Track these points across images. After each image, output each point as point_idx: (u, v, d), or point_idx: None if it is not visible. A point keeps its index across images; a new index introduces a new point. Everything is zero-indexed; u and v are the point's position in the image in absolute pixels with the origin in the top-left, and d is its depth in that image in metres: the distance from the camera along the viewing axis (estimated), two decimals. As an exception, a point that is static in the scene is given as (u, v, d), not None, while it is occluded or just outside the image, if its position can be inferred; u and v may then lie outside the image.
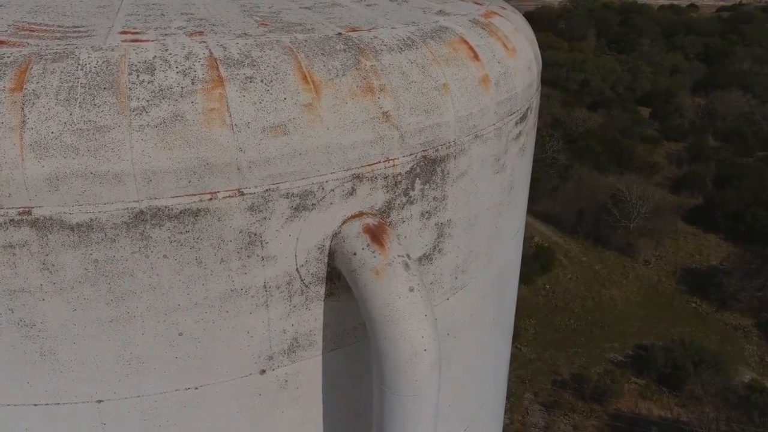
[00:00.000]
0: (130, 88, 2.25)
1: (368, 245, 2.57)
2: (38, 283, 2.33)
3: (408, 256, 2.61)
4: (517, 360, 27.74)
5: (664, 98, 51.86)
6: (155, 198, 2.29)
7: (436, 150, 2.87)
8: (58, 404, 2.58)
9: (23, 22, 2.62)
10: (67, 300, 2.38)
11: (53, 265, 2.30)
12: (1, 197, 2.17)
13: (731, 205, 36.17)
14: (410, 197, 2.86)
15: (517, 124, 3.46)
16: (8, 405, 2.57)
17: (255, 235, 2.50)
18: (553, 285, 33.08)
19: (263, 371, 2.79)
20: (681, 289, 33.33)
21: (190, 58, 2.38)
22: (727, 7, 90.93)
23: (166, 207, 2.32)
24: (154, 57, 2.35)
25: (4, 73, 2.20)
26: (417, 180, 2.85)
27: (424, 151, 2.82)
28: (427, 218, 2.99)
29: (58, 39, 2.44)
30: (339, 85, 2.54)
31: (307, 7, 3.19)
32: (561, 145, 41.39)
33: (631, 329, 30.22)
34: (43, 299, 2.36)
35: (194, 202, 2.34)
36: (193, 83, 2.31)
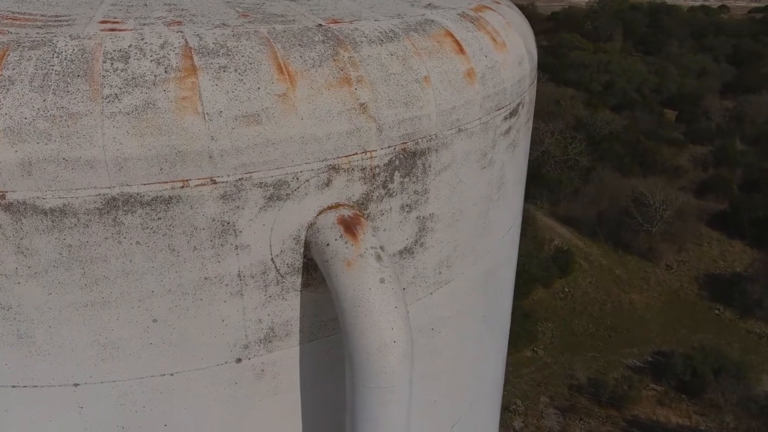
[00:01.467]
0: (104, 76, 2.28)
1: (341, 236, 2.57)
2: (14, 266, 2.37)
3: (381, 248, 2.61)
4: (533, 363, 27.54)
5: (691, 101, 50.99)
6: (127, 185, 2.32)
7: (417, 143, 2.86)
8: (36, 387, 2.63)
9: (7, 11, 2.68)
10: (42, 284, 2.42)
11: (28, 249, 2.35)
12: (-25, 181, 2.21)
13: (758, 211, 35.42)
14: (389, 190, 2.85)
15: (506, 119, 3.43)
16: (-12, 386, 2.62)
17: (228, 223, 2.51)
18: (571, 288, 32.74)
19: (239, 360, 2.81)
20: (703, 296, 32.74)
21: (165, 47, 2.40)
22: (760, 8, 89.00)
23: (137, 194, 2.34)
24: (130, 46, 2.38)
25: (-18, 60, 2.25)
26: (396, 173, 2.84)
27: (403, 143, 2.81)
28: (407, 211, 2.98)
29: (39, 27, 2.49)
30: (315, 76, 2.54)
31: None
32: (583, 147, 40.95)
33: (651, 335, 29.76)
34: (19, 282, 2.40)
35: (166, 189, 2.37)
36: (166, 72, 2.33)
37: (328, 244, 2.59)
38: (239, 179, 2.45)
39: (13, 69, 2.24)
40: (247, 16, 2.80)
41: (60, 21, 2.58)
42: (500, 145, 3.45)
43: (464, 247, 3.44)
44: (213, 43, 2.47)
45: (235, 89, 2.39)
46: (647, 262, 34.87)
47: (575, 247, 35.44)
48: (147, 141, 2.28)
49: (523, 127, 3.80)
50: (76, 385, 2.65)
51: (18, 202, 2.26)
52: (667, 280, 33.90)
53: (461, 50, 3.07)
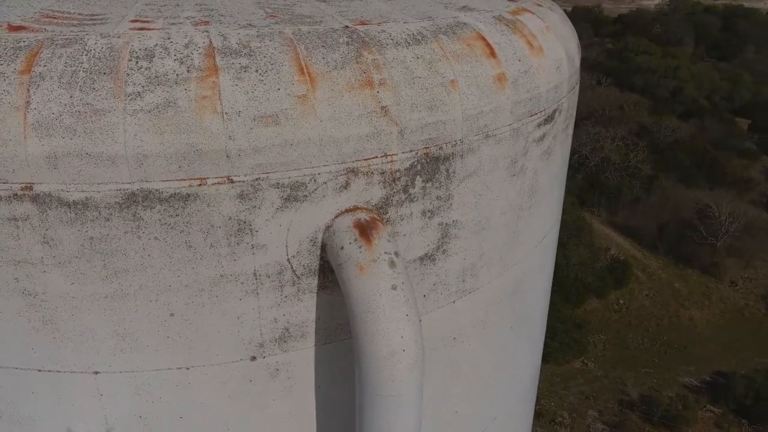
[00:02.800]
0: (128, 74, 2.33)
1: (355, 240, 2.55)
2: (39, 255, 2.46)
3: (396, 254, 2.57)
4: (582, 375, 26.79)
5: (765, 109, 48.39)
6: (146, 181, 2.37)
7: (440, 148, 2.81)
8: (60, 372, 2.73)
9: (48, 9, 2.79)
10: (66, 273, 2.50)
11: (52, 240, 2.43)
12: (5, 172, 2.31)
13: (834, 229, 33.28)
14: (410, 195, 2.81)
15: (540, 125, 3.32)
16: (16, 368, 2.74)
17: (244, 222, 2.53)
18: (627, 301, 31.65)
19: (254, 358, 2.83)
20: (770, 315, 31.02)
21: (190, 46, 2.44)
22: None
23: (156, 190, 2.39)
24: (156, 45, 2.43)
25: (17, 56, 2.35)
26: (418, 177, 2.80)
27: (426, 148, 2.77)
28: (429, 217, 2.93)
29: (74, 26, 2.57)
30: (336, 78, 2.53)
31: (324, 0, 3.21)
32: (646, 155, 39.52)
33: (710, 354, 28.42)
34: (44, 271, 2.50)
35: (184, 186, 2.40)
36: (188, 71, 2.37)
37: (342, 248, 2.57)
38: (256, 179, 2.47)
39: (45, 66, 2.33)
40: (275, 16, 2.81)
41: (95, 20, 2.66)
42: (533, 152, 3.35)
43: (491, 256, 3.36)
44: (237, 43, 2.49)
45: (255, 90, 2.40)
46: (710, 278, 33.32)
47: (633, 258, 34.24)
48: (167, 138, 2.32)
49: (561, 134, 3.67)
50: (96, 372, 2.74)
51: (44, 194, 2.35)
52: (731, 297, 32.29)
53: (493, 54, 2.99)
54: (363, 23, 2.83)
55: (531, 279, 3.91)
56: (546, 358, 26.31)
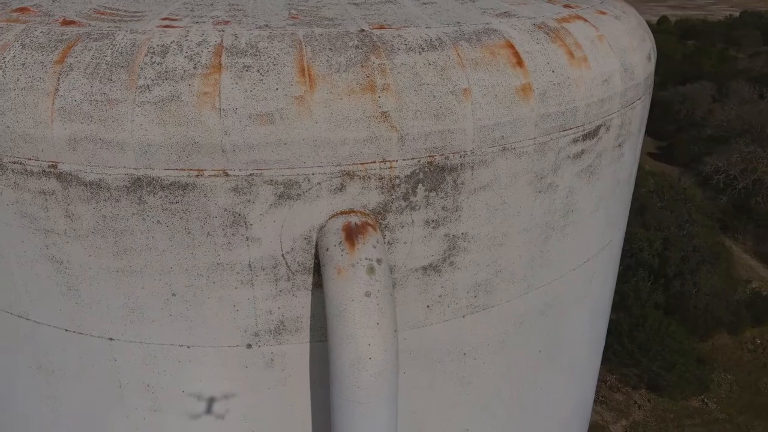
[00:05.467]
0: (142, 68, 2.52)
1: (340, 243, 2.56)
2: (63, 227, 2.74)
3: (378, 261, 2.54)
4: (700, 416, 24.50)
5: None
6: (150, 168, 2.55)
7: (446, 157, 2.73)
8: (81, 334, 3.02)
9: (102, 6, 3.07)
10: (84, 246, 2.76)
11: (73, 214, 2.70)
12: (36, 150, 2.60)
13: None
14: (411, 202, 2.76)
15: (576, 141, 3.11)
16: (49, 325, 3.07)
17: (239, 215, 2.64)
18: (765, 340, 28.37)
19: (249, 346, 2.94)
20: None
21: (201, 44, 2.58)
22: None
23: (159, 177, 2.56)
24: (172, 42, 2.60)
25: (56, 48, 2.62)
26: (420, 186, 2.74)
27: (430, 156, 2.70)
28: (433, 227, 2.86)
29: (114, 22, 2.82)
30: (336, 81, 2.55)
31: (355, 3, 3.22)
32: (807, 181, 35.01)
33: None
34: (67, 242, 2.77)
35: (183, 176, 2.56)
36: (194, 68, 2.51)
37: (327, 249, 2.59)
38: (250, 174, 2.56)
39: (75, 57, 2.58)
40: (297, 18, 2.88)
41: (135, 16, 2.90)
42: (566, 169, 3.14)
43: (510, 274, 3.20)
44: (245, 43, 2.60)
45: (254, 88, 2.49)
46: None
47: (779, 294, 30.54)
48: (168, 130, 2.48)
49: (610, 152, 3.40)
50: (111, 339, 2.99)
51: (66, 172, 2.61)
52: None
53: (519, 63, 2.84)
54: (381, 27, 2.82)
55: (567, 303, 3.67)
56: (658, 389, 24.34)
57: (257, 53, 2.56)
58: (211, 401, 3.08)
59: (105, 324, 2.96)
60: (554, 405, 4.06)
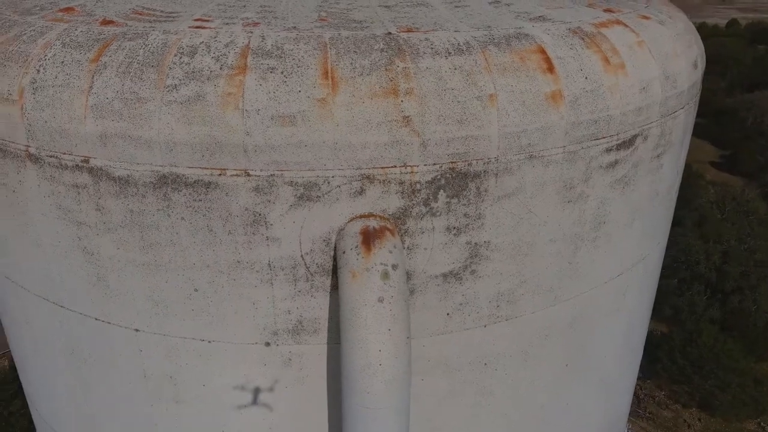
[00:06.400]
0: (170, 68, 2.58)
1: (356, 246, 2.55)
2: (94, 220, 2.84)
3: (394, 266, 2.52)
4: (756, 439, 23.30)
5: None
6: (175, 166, 2.61)
7: (469, 164, 2.68)
8: (110, 323, 3.12)
9: (141, 6, 3.16)
10: (113, 239, 2.85)
11: (103, 208, 2.79)
12: (71, 145, 2.70)
13: None
14: (432, 208, 2.73)
15: (609, 151, 3.00)
16: (81, 314, 3.19)
17: (260, 215, 2.66)
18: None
19: (268, 344, 2.97)
20: None
21: (229, 45, 2.62)
22: None
23: (183, 175, 2.62)
24: (201, 42, 2.65)
25: (93, 47, 2.72)
26: (441, 192, 2.70)
27: (452, 162, 2.66)
28: (455, 234, 2.81)
29: (150, 22, 2.90)
30: (359, 84, 2.54)
31: (386, 6, 3.20)
32: None
33: None
34: (98, 234, 2.87)
35: (206, 174, 2.60)
36: (220, 68, 2.55)
37: (344, 252, 2.59)
38: (271, 175, 2.58)
39: (110, 56, 2.67)
40: (325, 20, 2.89)
41: (170, 17, 2.97)
42: (598, 179, 3.04)
43: (535, 285, 3.12)
44: (271, 44, 2.62)
45: (277, 90, 2.51)
46: None
47: None
48: (193, 129, 2.53)
49: (647, 163, 3.27)
50: (136, 330, 3.08)
51: (97, 167, 2.70)
52: None
53: (550, 69, 2.77)
54: (409, 30, 2.79)
55: (597, 317, 3.55)
56: (710, 409, 23.28)
57: (282, 55, 2.58)
58: (230, 396, 3.13)
59: (131, 315, 3.04)
60: (581, 420, 3.93)
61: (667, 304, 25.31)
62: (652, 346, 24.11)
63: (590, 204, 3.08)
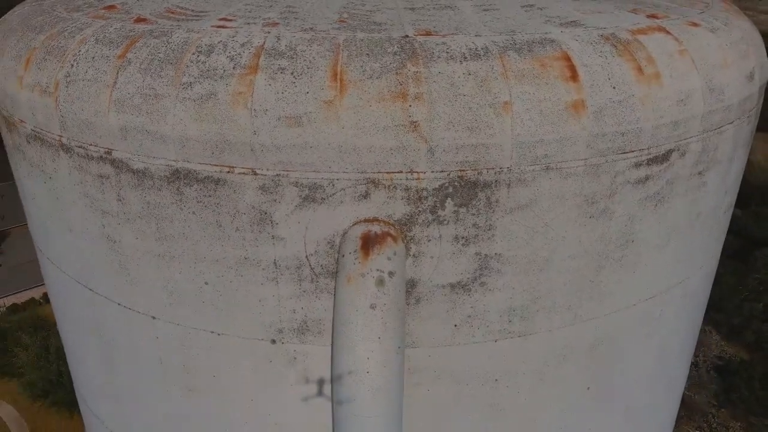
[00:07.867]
0: (188, 66, 2.64)
1: (355, 251, 2.52)
2: (116, 209, 2.96)
3: (391, 273, 2.47)
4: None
5: None
6: (187, 161, 2.67)
7: (479, 173, 2.59)
8: (130, 309, 3.24)
9: (174, 5, 3.26)
10: (132, 229, 2.96)
11: (124, 198, 2.90)
12: (96, 137, 2.82)
13: None
14: (438, 216, 2.66)
15: (639, 166, 2.82)
16: (105, 298, 3.33)
17: (266, 213, 2.69)
18: None
19: (273, 341, 2.99)
20: None
21: (245, 45, 2.65)
22: None
23: (195, 171, 2.68)
24: (219, 41, 2.70)
25: (121, 43, 2.83)
26: (449, 200, 2.63)
27: (461, 171, 2.58)
28: (463, 244, 2.73)
29: (178, 20, 2.98)
30: (367, 87, 2.51)
31: (411, 8, 3.14)
32: None
33: None
34: (119, 223, 2.99)
35: (216, 171, 2.65)
36: (233, 68, 2.59)
37: (343, 255, 2.57)
38: (277, 175, 2.60)
39: (134, 53, 2.76)
40: (345, 21, 2.87)
41: (198, 16, 3.05)
42: (626, 195, 2.86)
43: (551, 302, 2.98)
44: (285, 45, 2.63)
45: (285, 91, 2.52)
46: None
47: None
48: (204, 126, 2.59)
49: (685, 180, 3.05)
50: (153, 317, 3.19)
51: (118, 159, 2.81)
52: None
53: (573, 77, 2.63)
54: (428, 33, 2.73)
55: (624, 341, 3.35)
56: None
57: (294, 56, 2.58)
58: (237, 389, 3.18)
59: (149, 303, 3.15)
60: (606, 448, 3.73)
61: (750, 329, 23.70)
62: (730, 374, 22.68)
63: (616, 221, 2.91)
